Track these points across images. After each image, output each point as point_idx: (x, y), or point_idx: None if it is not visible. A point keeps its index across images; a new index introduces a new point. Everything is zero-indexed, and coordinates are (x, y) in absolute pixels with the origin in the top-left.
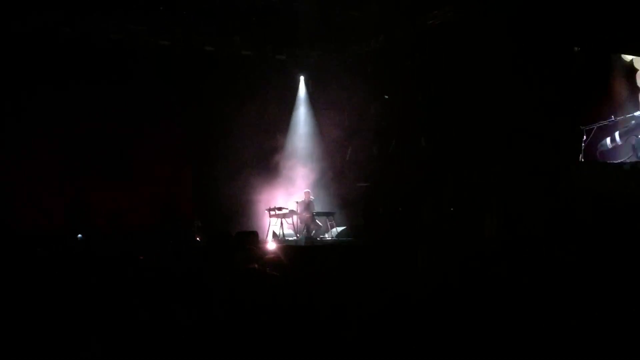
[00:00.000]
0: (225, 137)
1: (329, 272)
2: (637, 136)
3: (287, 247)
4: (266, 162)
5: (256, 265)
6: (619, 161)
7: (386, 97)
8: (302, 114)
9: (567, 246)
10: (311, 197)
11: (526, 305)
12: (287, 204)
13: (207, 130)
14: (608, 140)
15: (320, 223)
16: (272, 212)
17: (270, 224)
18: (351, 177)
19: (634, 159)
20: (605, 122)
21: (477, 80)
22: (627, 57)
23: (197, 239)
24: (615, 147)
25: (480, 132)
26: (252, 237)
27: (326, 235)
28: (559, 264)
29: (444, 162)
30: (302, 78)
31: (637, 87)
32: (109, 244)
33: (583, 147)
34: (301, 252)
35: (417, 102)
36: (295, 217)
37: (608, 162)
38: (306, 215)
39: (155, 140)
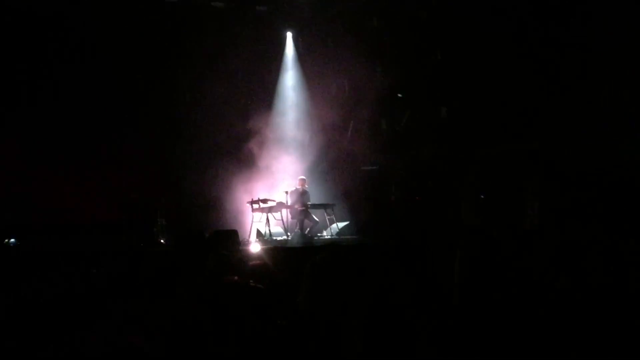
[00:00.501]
0: (193, 114)
1: (329, 283)
2: None
3: (275, 250)
4: (243, 147)
5: (236, 277)
6: None
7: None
8: (290, 79)
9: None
10: (306, 185)
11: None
12: (274, 195)
13: (171, 105)
14: None
15: (316, 218)
16: (256, 206)
17: (254, 220)
18: (354, 160)
19: None
20: None
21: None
22: None
23: (161, 240)
24: None
25: (514, 100)
26: (231, 238)
27: (324, 233)
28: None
29: (469, 137)
30: (289, 35)
31: None
32: (50, 248)
33: None
34: (293, 255)
35: (434, 62)
36: (285, 210)
37: None
38: (299, 208)
39: (106, 119)
